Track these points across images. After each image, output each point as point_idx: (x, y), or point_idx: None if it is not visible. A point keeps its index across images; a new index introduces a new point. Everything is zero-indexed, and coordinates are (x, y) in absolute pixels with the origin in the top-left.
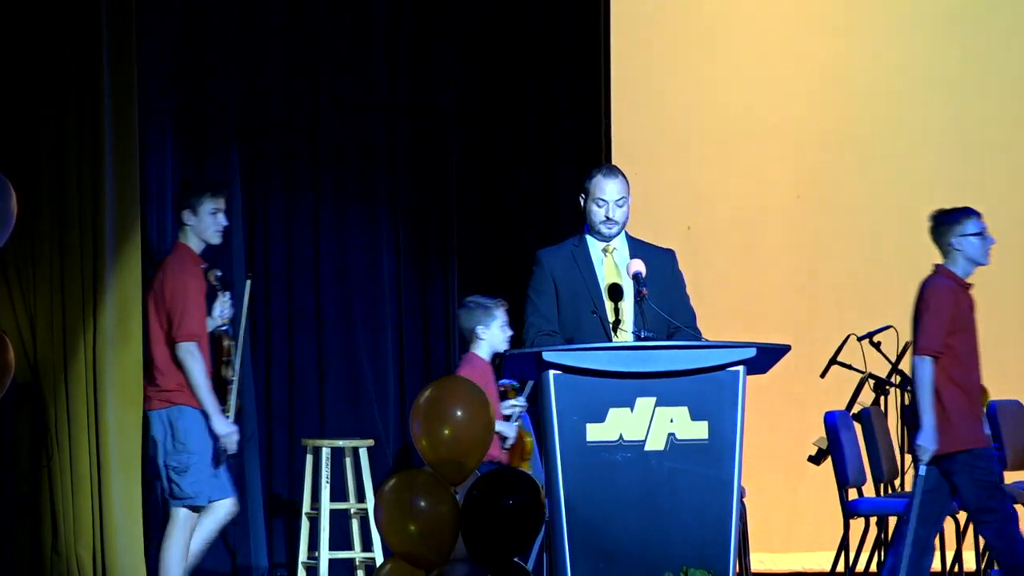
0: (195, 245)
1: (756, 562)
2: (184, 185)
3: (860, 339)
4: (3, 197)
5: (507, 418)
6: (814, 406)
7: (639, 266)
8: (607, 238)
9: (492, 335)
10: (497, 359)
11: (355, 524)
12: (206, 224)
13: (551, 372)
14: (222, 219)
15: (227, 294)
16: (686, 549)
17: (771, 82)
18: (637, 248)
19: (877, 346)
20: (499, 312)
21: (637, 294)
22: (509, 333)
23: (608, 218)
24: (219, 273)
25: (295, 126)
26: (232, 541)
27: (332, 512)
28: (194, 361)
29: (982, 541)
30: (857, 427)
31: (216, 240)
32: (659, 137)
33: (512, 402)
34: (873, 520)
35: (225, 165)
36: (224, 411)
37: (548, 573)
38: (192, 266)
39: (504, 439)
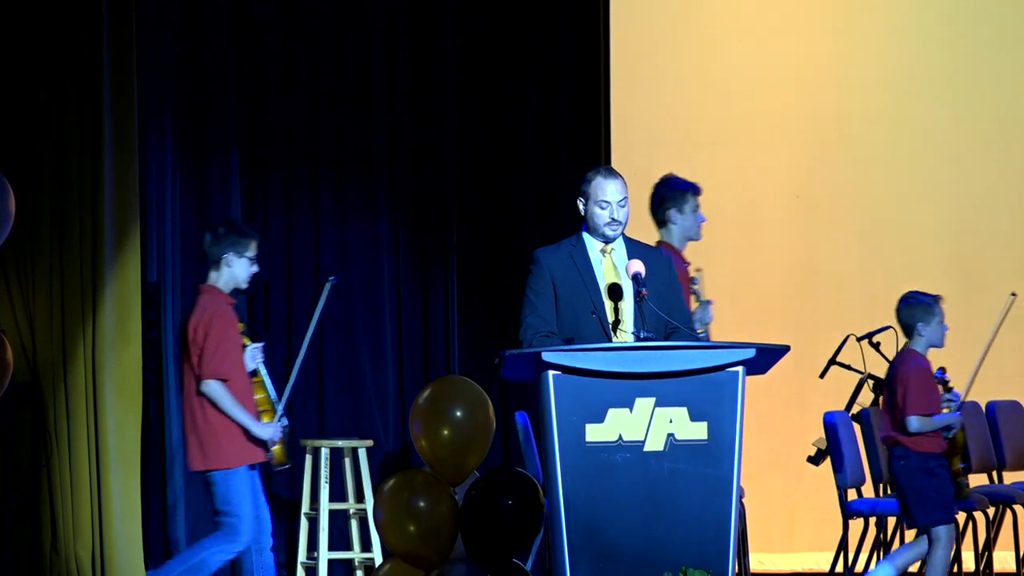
0: (679, 243)
1: (755, 562)
2: (665, 182)
3: (860, 339)
4: (1, 197)
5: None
6: (814, 406)
7: (639, 266)
8: (610, 239)
9: (932, 332)
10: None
11: (354, 524)
12: (691, 223)
13: (550, 372)
14: (701, 215)
15: None
16: (685, 549)
17: (771, 82)
18: (634, 248)
19: (876, 346)
20: (939, 309)
21: (636, 294)
22: (946, 328)
23: (613, 219)
24: None
25: (295, 126)
26: None
27: (331, 512)
28: None
29: (981, 540)
30: (856, 427)
31: (698, 237)
32: (659, 137)
33: (948, 396)
34: (872, 520)
35: (225, 165)
36: None
37: (548, 573)
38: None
39: (950, 429)
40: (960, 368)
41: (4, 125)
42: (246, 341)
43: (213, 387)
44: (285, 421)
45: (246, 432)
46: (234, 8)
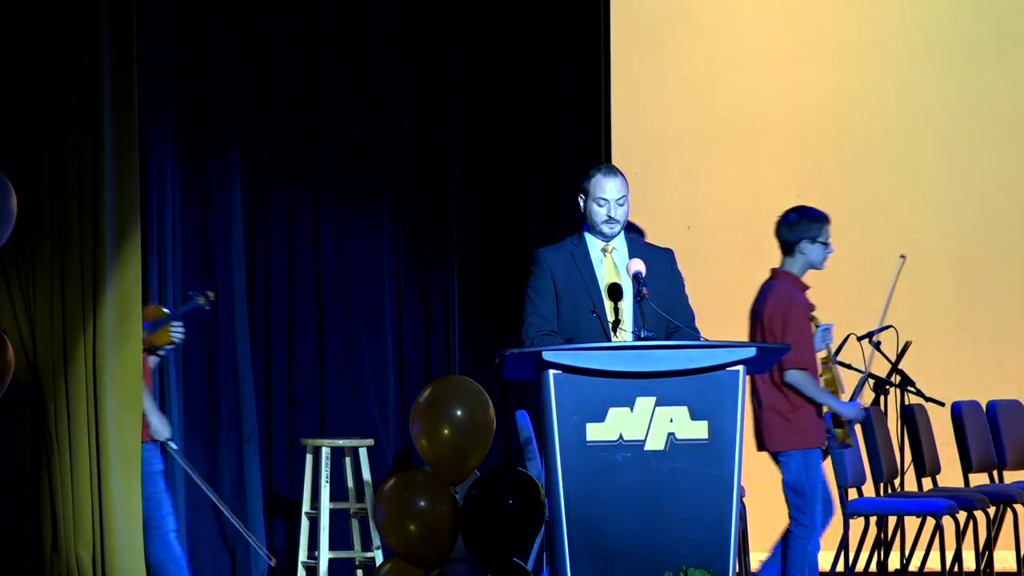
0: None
1: (756, 562)
2: None
3: (860, 339)
4: (3, 196)
5: None
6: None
7: (639, 266)
8: (608, 237)
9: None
10: None
11: (355, 524)
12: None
13: (551, 372)
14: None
15: None
16: (686, 549)
17: (771, 82)
18: (636, 247)
19: (877, 346)
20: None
21: (637, 294)
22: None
23: (610, 217)
24: None
25: (295, 126)
26: (232, 541)
27: (332, 512)
28: None
29: (982, 540)
30: (857, 427)
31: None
32: (659, 137)
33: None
34: (873, 520)
35: (225, 165)
36: None
37: (548, 573)
38: None
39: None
40: (958, 367)
41: (4, 125)
42: (816, 322)
43: (796, 376)
44: (858, 403)
45: (820, 416)
46: (234, 8)
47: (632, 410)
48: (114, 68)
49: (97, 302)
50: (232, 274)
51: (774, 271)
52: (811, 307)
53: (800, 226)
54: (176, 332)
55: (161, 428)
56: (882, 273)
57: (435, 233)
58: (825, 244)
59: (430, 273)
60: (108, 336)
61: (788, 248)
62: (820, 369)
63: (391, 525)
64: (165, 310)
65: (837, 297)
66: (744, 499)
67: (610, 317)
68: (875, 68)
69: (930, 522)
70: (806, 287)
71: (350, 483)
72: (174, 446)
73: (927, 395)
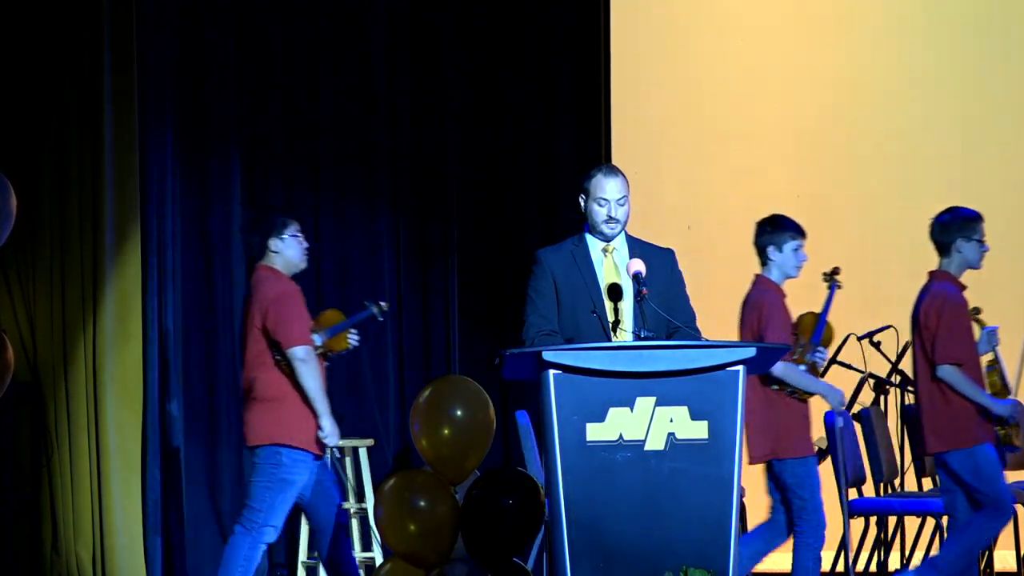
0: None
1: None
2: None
3: (860, 339)
4: (3, 196)
5: None
6: (814, 406)
7: (639, 266)
8: (609, 238)
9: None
10: None
11: (355, 524)
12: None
13: (551, 372)
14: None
15: None
16: (686, 549)
17: (771, 82)
18: (637, 247)
19: (877, 346)
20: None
21: (637, 294)
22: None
23: (611, 217)
24: None
25: (295, 126)
26: None
27: None
28: None
29: None
30: (857, 427)
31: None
32: (659, 137)
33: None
34: (873, 520)
35: (225, 165)
36: None
37: (548, 573)
38: None
39: None
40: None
41: (4, 125)
42: (981, 324)
43: (947, 371)
44: (1013, 401)
45: (983, 412)
46: (234, 8)
47: (632, 410)
48: (114, 68)
49: (97, 302)
50: (232, 274)
51: (931, 273)
52: (971, 307)
53: (953, 226)
54: (353, 338)
55: (333, 433)
56: (887, 272)
57: (435, 233)
58: (980, 242)
59: (430, 273)
60: (108, 336)
61: (944, 249)
62: (986, 372)
63: (391, 525)
64: (343, 316)
65: (836, 297)
66: (744, 499)
67: (610, 317)
68: (875, 67)
69: (930, 522)
70: (963, 287)
71: (350, 483)
72: (338, 454)
73: None
